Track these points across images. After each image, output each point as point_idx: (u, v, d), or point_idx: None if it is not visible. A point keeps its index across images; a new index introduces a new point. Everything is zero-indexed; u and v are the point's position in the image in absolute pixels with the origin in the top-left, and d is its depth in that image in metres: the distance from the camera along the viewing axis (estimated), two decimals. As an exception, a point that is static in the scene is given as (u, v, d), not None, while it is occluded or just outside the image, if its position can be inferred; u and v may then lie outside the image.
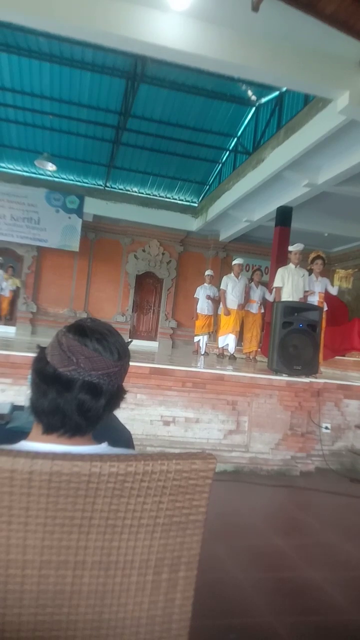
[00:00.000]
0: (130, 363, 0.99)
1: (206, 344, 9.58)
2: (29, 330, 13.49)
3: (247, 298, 8.47)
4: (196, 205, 14.49)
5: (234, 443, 4.71)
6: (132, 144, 12.48)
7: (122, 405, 0.98)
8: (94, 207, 13.58)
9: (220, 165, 13.44)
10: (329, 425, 5.00)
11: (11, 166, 13.69)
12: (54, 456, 0.77)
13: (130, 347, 1.00)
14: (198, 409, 4.66)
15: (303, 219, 10.40)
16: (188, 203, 14.67)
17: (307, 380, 4.91)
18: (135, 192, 14.43)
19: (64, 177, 14.00)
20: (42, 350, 0.95)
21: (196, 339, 9.87)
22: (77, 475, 0.78)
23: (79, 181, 14.22)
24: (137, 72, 9.83)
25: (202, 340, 9.55)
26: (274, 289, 6.83)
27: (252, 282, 8.70)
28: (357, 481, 4.45)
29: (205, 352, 9.46)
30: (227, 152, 12.97)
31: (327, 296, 6.82)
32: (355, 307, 12.69)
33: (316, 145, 7.44)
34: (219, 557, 2.59)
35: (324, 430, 4.95)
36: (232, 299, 8.27)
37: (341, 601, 2.24)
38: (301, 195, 9.25)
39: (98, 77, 10.37)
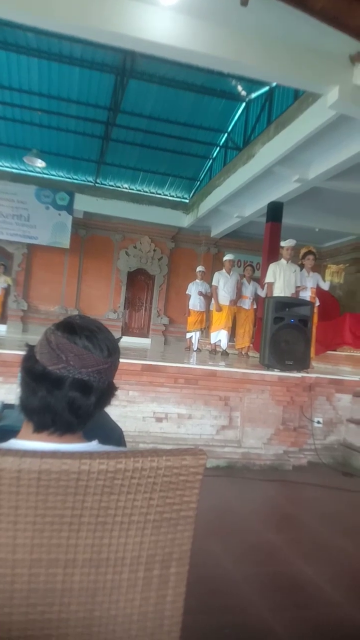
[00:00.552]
0: (122, 360, 0.99)
1: (198, 340, 9.58)
2: (20, 328, 13.41)
3: (239, 294, 8.49)
4: (187, 201, 14.47)
5: (227, 438, 4.73)
6: (122, 140, 12.41)
7: (114, 402, 0.98)
8: (84, 203, 13.51)
9: (211, 161, 13.41)
10: (321, 420, 5.04)
11: (0, 163, 13.58)
12: (42, 454, 0.77)
13: (122, 344, 0.99)
14: (190, 405, 4.66)
15: (294, 214, 10.42)
16: (179, 199, 14.63)
17: (299, 375, 4.94)
18: (126, 188, 14.37)
19: (54, 173, 13.89)
20: (31, 348, 0.94)
21: (188, 335, 9.88)
22: (67, 473, 0.77)
23: (68, 178, 14.12)
24: (126, 67, 9.76)
25: (194, 336, 9.55)
26: (266, 285, 6.85)
27: (244, 278, 8.72)
28: (350, 475, 4.49)
29: (197, 348, 9.47)
30: (218, 148, 12.94)
31: (319, 291, 6.85)
32: (346, 302, 12.77)
33: (306, 140, 7.45)
34: (212, 553, 2.60)
35: (316, 425, 4.99)
36: (224, 295, 8.28)
37: (335, 595, 2.26)
38: (292, 191, 9.27)
39: (87, 72, 10.27)
